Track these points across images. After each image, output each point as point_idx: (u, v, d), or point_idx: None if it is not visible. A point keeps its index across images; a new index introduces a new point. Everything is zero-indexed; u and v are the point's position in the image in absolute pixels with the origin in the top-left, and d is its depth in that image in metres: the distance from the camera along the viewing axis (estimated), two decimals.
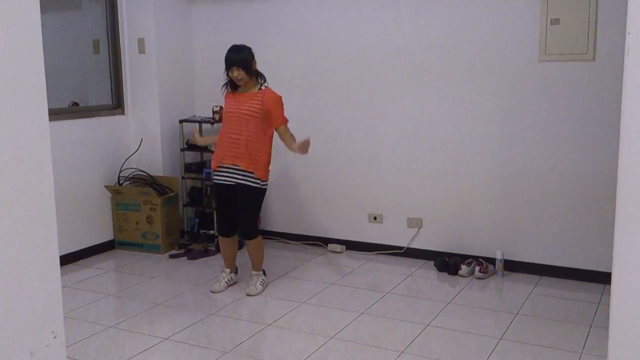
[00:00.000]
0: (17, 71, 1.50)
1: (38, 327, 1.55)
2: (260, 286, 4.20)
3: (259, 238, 4.22)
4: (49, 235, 1.55)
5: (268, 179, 4.15)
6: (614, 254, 1.71)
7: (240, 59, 3.98)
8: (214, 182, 4.20)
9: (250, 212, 4.14)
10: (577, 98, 4.20)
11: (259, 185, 4.07)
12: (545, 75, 4.26)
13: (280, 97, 4.06)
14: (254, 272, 4.24)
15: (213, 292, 4.17)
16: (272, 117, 4.02)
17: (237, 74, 3.98)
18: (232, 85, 4.08)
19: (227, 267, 4.32)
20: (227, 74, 4.04)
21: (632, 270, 1.68)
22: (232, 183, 4.07)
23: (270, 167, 4.14)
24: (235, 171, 4.04)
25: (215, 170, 4.15)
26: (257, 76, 4.08)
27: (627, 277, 1.69)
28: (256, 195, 4.11)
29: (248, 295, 4.12)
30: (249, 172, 4.02)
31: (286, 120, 4.07)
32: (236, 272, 4.41)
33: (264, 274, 4.31)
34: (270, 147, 4.10)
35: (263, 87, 4.06)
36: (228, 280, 4.28)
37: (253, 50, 4.07)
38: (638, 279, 1.67)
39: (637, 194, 1.63)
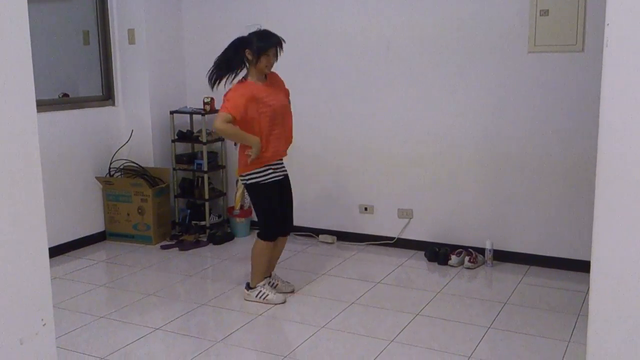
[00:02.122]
0: (3, 61, 1.50)
1: (27, 315, 1.56)
2: None
3: None
4: (37, 223, 1.56)
5: None
6: (592, 244, 1.74)
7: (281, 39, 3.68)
8: (268, 181, 3.74)
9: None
10: (566, 89, 4.23)
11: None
12: (535, 66, 4.29)
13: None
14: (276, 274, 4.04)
15: (283, 303, 3.83)
16: (284, 90, 3.87)
17: (274, 60, 3.69)
18: (260, 77, 3.70)
19: (266, 277, 3.95)
20: (258, 58, 3.62)
21: (609, 261, 1.70)
22: (282, 177, 3.85)
23: None
24: (281, 164, 3.85)
25: (263, 169, 3.74)
26: None
27: (605, 268, 1.72)
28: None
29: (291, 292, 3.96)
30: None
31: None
32: None
33: None
34: None
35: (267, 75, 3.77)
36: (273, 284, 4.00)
37: None
38: (615, 269, 1.70)
39: (614, 183, 1.65)
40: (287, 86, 3.94)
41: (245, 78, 3.71)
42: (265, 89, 3.69)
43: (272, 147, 3.71)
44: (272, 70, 3.78)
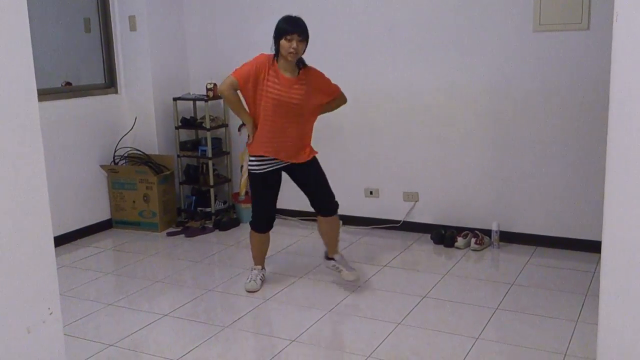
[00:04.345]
0: (3, 50, 1.49)
1: (34, 303, 1.57)
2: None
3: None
4: (42, 211, 1.55)
5: None
6: (603, 223, 1.72)
7: (305, 29, 3.49)
8: (262, 172, 3.67)
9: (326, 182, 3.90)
10: (572, 68, 4.19)
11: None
12: (540, 45, 4.24)
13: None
14: (337, 256, 3.93)
15: (250, 291, 3.79)
16: (326, 91, 3.72)
17: (297, 45, 3.45)
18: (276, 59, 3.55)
19: (259, 265, 3.94)
20: (278, 42, 3.48)
21: (621, 240, 1.68)
22: (279, 166, 3.71)
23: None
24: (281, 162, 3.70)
25: (257, 159, 3.66)
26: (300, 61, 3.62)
27: (616, 247, 1.70)
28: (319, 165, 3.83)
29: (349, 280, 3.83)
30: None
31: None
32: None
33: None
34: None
35: (301, 70, 3.61)
36: (262, 277, 3.91)
37: None
38: (627, 248, 1.68)
39: (625, 162, 1.63)
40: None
41: (275, 58, 3.55)
42: (283, 80, 3.54)
43: (266, 140, 3.60)
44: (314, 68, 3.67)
